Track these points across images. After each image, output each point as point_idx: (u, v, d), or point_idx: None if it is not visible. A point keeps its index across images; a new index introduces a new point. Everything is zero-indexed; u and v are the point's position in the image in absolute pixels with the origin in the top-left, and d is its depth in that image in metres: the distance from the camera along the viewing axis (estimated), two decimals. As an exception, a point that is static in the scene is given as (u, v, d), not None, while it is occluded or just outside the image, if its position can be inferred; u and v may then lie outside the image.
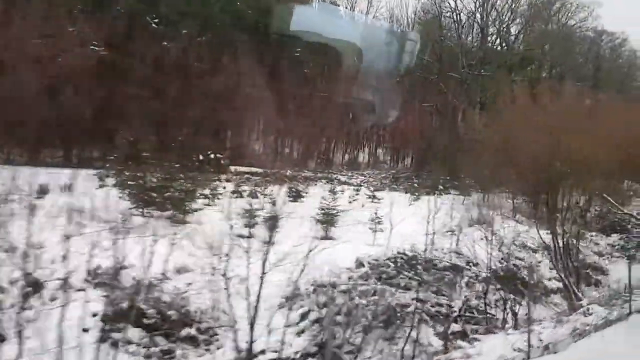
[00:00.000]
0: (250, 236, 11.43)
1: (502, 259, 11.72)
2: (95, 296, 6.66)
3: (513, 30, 39.21)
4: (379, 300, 8.61)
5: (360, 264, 9.68)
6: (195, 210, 12.30)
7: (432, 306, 9.13)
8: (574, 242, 16.79)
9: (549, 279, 12.33)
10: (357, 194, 21.58)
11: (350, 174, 29.05)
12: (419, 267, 10.12)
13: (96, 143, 22.98)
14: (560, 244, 11.77)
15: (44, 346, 4.62)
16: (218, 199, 15.41)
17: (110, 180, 15.29)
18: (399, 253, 10.25)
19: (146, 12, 24.67)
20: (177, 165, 16.93)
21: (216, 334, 7.68)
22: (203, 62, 26.07)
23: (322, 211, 12.46)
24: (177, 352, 7.11)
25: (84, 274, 7.08)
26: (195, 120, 23.74)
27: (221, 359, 7.06)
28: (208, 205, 14.70)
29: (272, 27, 29.39)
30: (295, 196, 17.74)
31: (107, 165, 17.02)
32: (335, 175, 28.00)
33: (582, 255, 15.70)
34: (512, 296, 10.72)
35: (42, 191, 11.61)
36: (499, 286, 10.76)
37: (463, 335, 9.12)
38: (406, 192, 22.49)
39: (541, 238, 11.85)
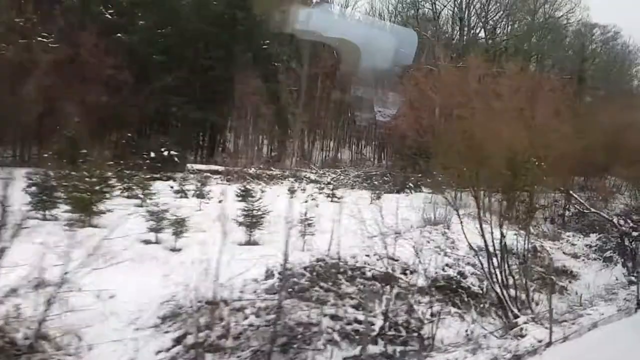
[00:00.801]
0: (157, 242, 10.16)
1: (446, 265, 10.42)
2: None
3: (498, 22, 38.04)
4: (278, 318, 7.32)
5: (270, 274, 8.35)
6: (103, 213, 10.97)
7: (349, 323, 7.84)
8: (542, 243, 15.55)
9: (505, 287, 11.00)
10: (320, 193, 20.23)
11: (323, 172, 27.67)
12: (342, 276, 8.82)
13: (45, 141, 21.64)
14: (497, 248, 10.28)
15: None
16: (150, 199, 14.11)
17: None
18: (318, 260, 8.93)
19: (100, 1, 23.30)
20: (111, 163, 15.79)
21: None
22: (164, 54, 24.64)
23: (252, 213, 11.08)
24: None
25: None
26: (152, 116, 22.38)
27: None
28: (140, 206, 13.40)
29: (239, 18, 28.10)
30: (244, 196, 16.37)
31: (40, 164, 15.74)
32: (305, 174, 26.65)
33: (549, 259, 14.48)
34: (454, 309, 9.46)
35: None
36: (438, 297, 9.49)
37: (387, 358, 7.85)
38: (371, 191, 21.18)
39: (485, 242, 10.38)
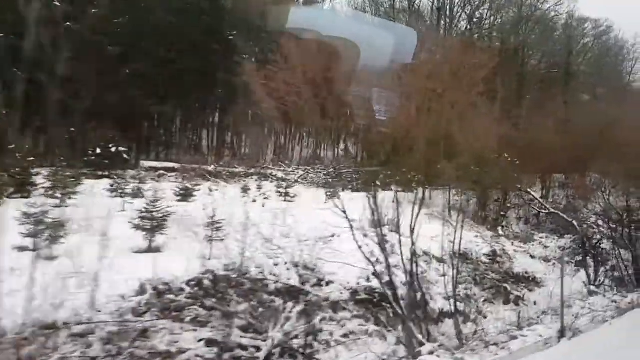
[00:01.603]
0: (35, 249, 8.74)
1: (374, 273, 9.00)
2: None
3: (482, 14, 36.62)
4: (136, 345, 5.93)
5: (142, 290, 6.94)
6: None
7: (228, 350, 6.43)
8: (506, 246, 14.19)
9: (447, 299, 9.58)
10: (277, 192, 18.86)
11: (291, 170, 26.30)
12: (234, 291, 7.42)
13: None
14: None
15: None
16: (70, 198, 12.75)
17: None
18: (207, 272, 7.52)
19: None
20: (31, 159, 14.47)
21: None
22: (120, 45, 23.24)
23: (152, 215, 9.57)
24: None
25: None
26: (102, 111, 20.97)
27: None
28: (58, 206, 12.03)
29: (204, 8, 26.69)
30: (184, 195, 14.99)
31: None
32: (271, 171, 25.28)
33: (510, 263, 13.10)
34: (374, 327, 8.05)
35: None
36: (356, 313, 8.10)
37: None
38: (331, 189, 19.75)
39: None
